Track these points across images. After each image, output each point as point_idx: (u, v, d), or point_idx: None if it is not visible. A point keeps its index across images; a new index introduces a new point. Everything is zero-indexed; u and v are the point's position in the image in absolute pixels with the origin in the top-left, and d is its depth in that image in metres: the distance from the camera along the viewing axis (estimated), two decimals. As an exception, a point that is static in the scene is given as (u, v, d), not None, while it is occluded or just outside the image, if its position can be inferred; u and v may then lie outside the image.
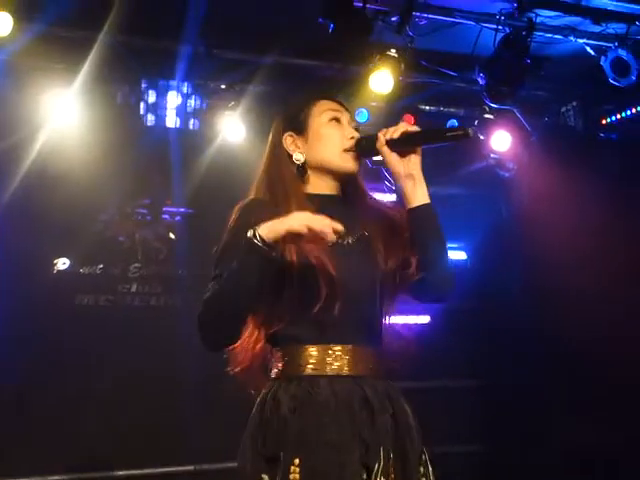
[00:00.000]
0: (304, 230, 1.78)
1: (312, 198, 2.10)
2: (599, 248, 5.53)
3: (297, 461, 1.82)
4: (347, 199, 2.19)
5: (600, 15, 4.68)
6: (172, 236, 5.79)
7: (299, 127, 2.17)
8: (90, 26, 4.51)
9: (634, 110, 5.71)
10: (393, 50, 4.71)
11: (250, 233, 1.83)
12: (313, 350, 1.95)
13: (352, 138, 2.13)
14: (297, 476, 1.81)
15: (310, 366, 1.94)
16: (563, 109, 6.05)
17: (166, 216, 5.76)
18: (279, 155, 2.18)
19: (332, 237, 1.80)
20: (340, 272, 1.95)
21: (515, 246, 5.92)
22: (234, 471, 1.97)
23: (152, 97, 4.93)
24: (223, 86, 5.25)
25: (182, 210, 5.82)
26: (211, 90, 5.22)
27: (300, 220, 1.81)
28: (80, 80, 4.69)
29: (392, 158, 2.07)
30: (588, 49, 4.94)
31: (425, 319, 6.09)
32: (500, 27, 4.60)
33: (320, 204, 2.05)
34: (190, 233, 5.66)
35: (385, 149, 2.06)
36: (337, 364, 1.94)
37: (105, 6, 4.35)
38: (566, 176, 6.08)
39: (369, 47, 4.65)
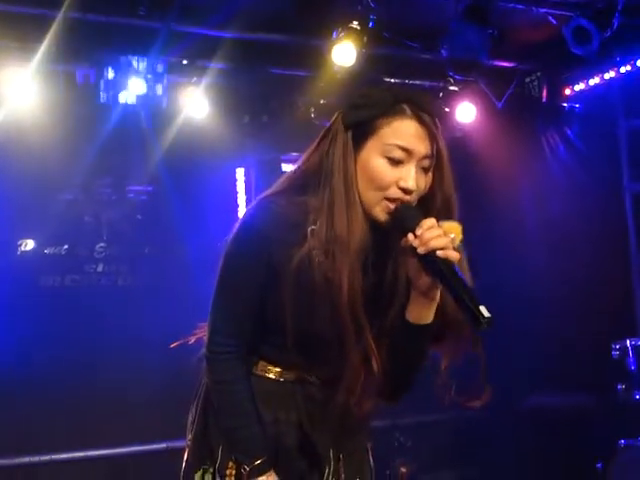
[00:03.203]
0: None
1: None
2: (562, 220, 5.63)
3: (230, 464, 1.81)
4: (378, 248, 1.79)
5: (561, -17, 4.70)
6: (138, 216, 5.74)
7: (356, 139, 1.74)
8: (47, 3, 4.41)
9: (597, 79, 5.75)
10: (355, 22, 4.68)
11: (245, 469, 1.75)
12: (264, 364, 1.86)
13: (403, 190, 1.69)
14: (232, 471, 1.80)
15: (259, 368, 1.86)
16: (527, 79, 6.06)
17: (131, 195, 5.70)
18: (351, 171, 1.72)
19: None
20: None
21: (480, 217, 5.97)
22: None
23: (112, 74, 4.84)
24: (185, 62, 5.18)
25: (148, 189, 5.76)
26: (173, 66, 5.15)
27: None
28: (38, 58, 4.60)
29: (411, 262, 1.66)
30: (550, 18, 4.95)
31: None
32: (461, -3, 4.59)
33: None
34: (155, 211, 5.62)
35: (408, 249, 1.64)
36: (285, 375, 1.85)
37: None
38: (531, 146, 6.15)
39: (331, 19, 4.62)
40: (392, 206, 1.69)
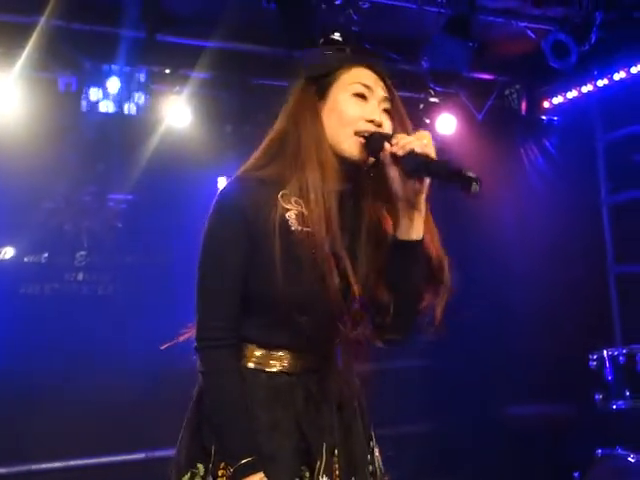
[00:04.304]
0: None
1: None
2: (541, 231, 5.69)
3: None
4: (354, 191, 1.88)
5: (540, -2, 4.76)
6: (119, 224, 5.72)
7: (319, 91, 1.87)
8: (30, 11, 4.41)
9: (575, 93, 5.82)
10: (337, 34, 4.70)
11: (229, 470, 1.72)
12: (257, 351, 1.84)
13: (372, 122, 1.81)
14: (225, 472, 1.75)
15: (254, 359, 1.84)
16: (507, 92, 6.13)
17: (112, 203, 5.69)
18: (311, 120, 1.84)
19: None
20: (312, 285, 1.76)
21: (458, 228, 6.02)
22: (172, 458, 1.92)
23: (95, 83, 4.84)
24: (167, 71, 5.19)
25: (128, 197, 5.75)
26: (155, 75, 5.16)
27: None
28: (20, 65, 4.59)
29: (394, 175, 1.74)
30: (529, 32, 5.02)
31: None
32: (442, 10, 4.64)
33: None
34: (136, 220, 5.60)
35: (388, 161, 1.74)
36: (280, 363, 1.83)
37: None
38: (511, 158, 6.22)
39: (313, 31, 4.65)
40: (363, 140, 1.80)
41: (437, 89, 5.57)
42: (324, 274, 1.73)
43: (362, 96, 1.83)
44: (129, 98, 4.94)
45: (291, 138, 1.85)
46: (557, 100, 5.99)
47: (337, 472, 1.84)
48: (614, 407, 4.35)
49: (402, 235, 1.78)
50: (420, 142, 1.71)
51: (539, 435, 5.31)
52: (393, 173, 1.74)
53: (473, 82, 5.77)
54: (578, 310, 5.41)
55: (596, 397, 4.43)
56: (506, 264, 6.01)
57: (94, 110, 4.93)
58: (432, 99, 5.84)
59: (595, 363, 4.42)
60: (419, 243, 1.79)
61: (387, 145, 1.73)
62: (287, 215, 1.76)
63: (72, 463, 5.10)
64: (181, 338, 1.96)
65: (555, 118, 6.10)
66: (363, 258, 1.84)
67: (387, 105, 1.86)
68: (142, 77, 4.96)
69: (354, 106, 1.82)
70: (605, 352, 4.40)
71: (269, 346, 1.84)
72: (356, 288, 1.77)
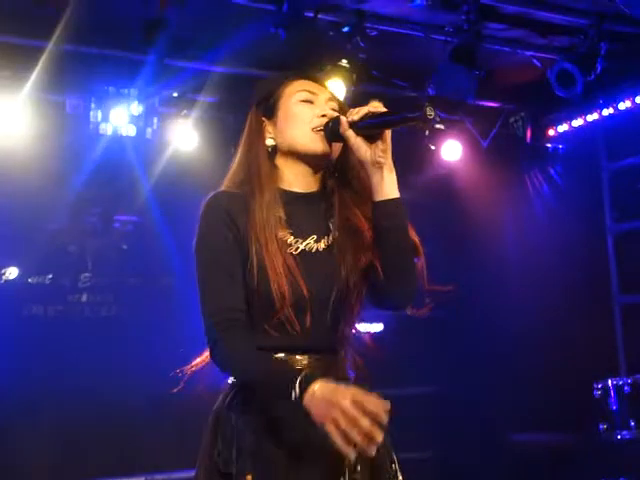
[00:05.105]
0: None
1: (286, 195, 1.94)
2: (545, 259, 5.68)
3: (249, 478, 1.74)
4: (325, 193, 2.00)
5: (546, 28, 4.80)
6: (124, 246, 5.73)
7: (269, 110, 2.00)
8: (39, 33, 4.45)
9: (580, 121, 5.84)
10: (344, 60, 4.75)
11: (295, 391, 1.64)
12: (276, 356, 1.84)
13: (324, 116, 1.92)
14: None
15: None
16: (512, 119, 6.16)
17: (117, 225, 5.70)
18: (255, 142, 1.99)
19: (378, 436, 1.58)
20: (303, 282, 1.82)
21: (464, 255, 6.01)
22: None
23: (102, 105, 4.87)
24: (175, 94, 5.23)
25: (134, 219, 5.77)
26: (163, 99, 5.19)
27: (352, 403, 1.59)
28: (28, 88, 4.63)
29: (357, 143, 1.84)
30: (534, 61, 5.05)
31: (378, 327, 6.11)
32: (449, 39, 4.67)
33: (291, 203, 1.92)
34: (141, 242, 5.61)
35: (349, 133, 1.84)
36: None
37: (55, 14, 4.29)
38: (515, 185, 6.23)
39: (320, 57, 4.69)
40: (321, 132, 1.91)
41: (443, 116, 5.60)
42: (269, 281, 1.81)
43: (309, 101, 1.96)
44: (136, 121, 4.96)
45: (246, 165, 1.98)
46: (562, 128, 6.01)
47: None
48: (618, 437, 4.33)
49: (379, 197, 1.85)
50: (372, 106, 1.84)
51: (543, 464, 5.26)
52: (356, 141, 1.84)
53: (478, 110, 5.80)
54: (583, 339, 5.38)
55: (600, 427, 4.40)
56: (510, 291, 6.00)
57: (101, 132, 4.95)
58: (437, 126, 5.84)
59: (600, 392, 4.40)
60: (397, 201, 1.86)
61: (343, 118, 1.85)
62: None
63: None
64: (199, 360, 1.96)
65: (560, 146, 6.11)
66: (336, 250, 1.92)
67: (334, 105, 1.98)
68: (150, 100, 4.99)
69: (304, 108, 1.95)
70: (610, 382, 4.38)
71: (283, 350, 1.84)
72: (305, 291, 1.82)
